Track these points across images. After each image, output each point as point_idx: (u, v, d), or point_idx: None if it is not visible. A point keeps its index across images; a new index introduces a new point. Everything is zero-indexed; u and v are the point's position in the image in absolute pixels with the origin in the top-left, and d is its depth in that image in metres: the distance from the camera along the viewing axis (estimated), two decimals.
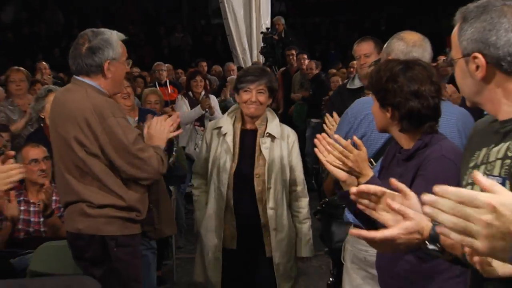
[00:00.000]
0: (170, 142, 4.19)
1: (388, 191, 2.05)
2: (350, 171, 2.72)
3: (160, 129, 3.88)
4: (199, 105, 8.33)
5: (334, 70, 11.45)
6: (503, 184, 1.90)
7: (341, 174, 2.74)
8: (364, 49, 5.24)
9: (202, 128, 8.08)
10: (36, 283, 3.74)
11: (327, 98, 7.84)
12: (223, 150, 4.27)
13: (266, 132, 4.28)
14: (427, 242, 2.01)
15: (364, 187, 2.08)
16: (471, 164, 2.08)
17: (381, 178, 2.83)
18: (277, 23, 13.73)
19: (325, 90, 9.76)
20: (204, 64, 12.82)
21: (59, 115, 3.82)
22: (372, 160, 3.37)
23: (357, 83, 5.52)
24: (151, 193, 3.96)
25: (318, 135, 2.79)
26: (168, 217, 4.20)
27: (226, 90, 10.98)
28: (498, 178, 1.94)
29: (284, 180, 4.30)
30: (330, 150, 2.73)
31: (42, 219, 4.78)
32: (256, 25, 13.58)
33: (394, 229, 1.98)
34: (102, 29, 3.85)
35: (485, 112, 2.31)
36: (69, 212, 3.86)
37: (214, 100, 8.71)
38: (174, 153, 4.81)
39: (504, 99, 2.00)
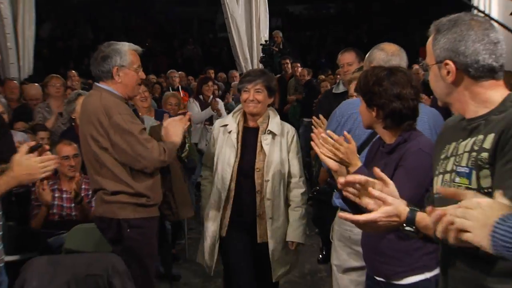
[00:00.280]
0: (183, 140, 4.13)
1: (370, 179, 2.06)
2: (341, 162, 2.75)
3: (176, 127, 3.88)
4: (210, 107, 8.36)
5: (323, 76, 11.47)
6: (470, 173, 1.91)
7: (332, 164, 2.78)
8: (347, 58, 5.24)
9: (211, 127, 8.07)
10: (69, 259, 3.74)
11: (317, 100, 7.83)
12: (228, 146, 4.09)
13: (267, 130, 4.10)
14: (404, 224, 2.02)
15: (350, 177, 2.08)
16: (442, 156, 2.09)
17: (367, 168, 2.83)
18: (275, 36, 13.85)
19: (316, 93, 9.76)
20: (212, 71, 12.92)
21: (82, 116, 3.88)
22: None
23: (341, 88, 5.53)
24: (167, 182, 3.96)
25: (315, 130, 2.84)
26: (185, 203, 4.19)
27: (229, 95, 10.99)
28: (465, 168, 1.95)
29: (282, 173, 4.10)
30: (324, 144, 2.75)
31: (73, 205, 4.80)
32: (256, 38, 13.60)
33: (376, 213, 2.01)
34: (116, 42, 3.88)
35: (453, 112, 2.31)
36: (95, 199, 3.96)
37: (220, 103, 8.71)
38: (186, 148, 4.79)
39: (471, 100, 2.01)
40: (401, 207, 2.01)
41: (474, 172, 1.89)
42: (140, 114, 5.90)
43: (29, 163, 2.72)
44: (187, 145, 4.88)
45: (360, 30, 21.77)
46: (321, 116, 4.17)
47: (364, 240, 2.96)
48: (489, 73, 1.97)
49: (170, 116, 4.10)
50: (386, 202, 2.00)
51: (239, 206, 4.09)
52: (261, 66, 13.31)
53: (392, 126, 2.78)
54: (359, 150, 3.44)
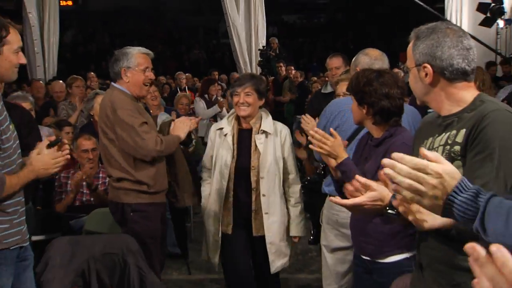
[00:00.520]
0: (189, 135, 4.10)
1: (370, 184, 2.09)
2: (329, 154, 2.76)
3: (183, 124, 3.89)
4: (216, 104, 8.39)
5: (315, 78, 11.48)
6: None
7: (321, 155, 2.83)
8: (335, 62, 5.22)
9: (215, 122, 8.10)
10: (88, 239, 3.74)
11: (308, 100, 7.82)
12: (224, 148, 3.86)
13: (260, 130, 3.85)
14: (387, 208, 2.04)
15: (362, 180, 2.10)
16: None
17: (355, 159, 2.87)
18: (272, 42, 13.87)
19: (308, 93, 9.77)
20: (216, 73, 12.99)
21: (99, 112, 3.91)
22: None
23: (329, 89, 5.52)
24: (173, 172, 3.95)
25: (311, 132, 2.85)
26: (188, 191, 4.13)
27: (227, 96, 11.02)
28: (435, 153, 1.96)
29: (277, 170, 3.85)
30: (312, 139, 2.79)
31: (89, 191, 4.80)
32: (254, 44, 13.61)
33: (362, 197, 2.06)
34: (129, 46, 3.89)
35: (429, 110, 2.32)
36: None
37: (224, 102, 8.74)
38: (193, 144, 4.75)
39: (446, 99, 2.01)
40: (385, 193, 2.04)
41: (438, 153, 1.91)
42: (151, 111, 5.92)
43: (44, 159, 2.73)
44: (194, 141, 4.86)
45: (347, 38, 21.75)
46: (308, 115, 4.17)
47: (352, 223, 2.96)
48: (462, 75, 1.98)
49: (178, 114, 4.11)
50: (371, 188, 2.04)
51: (237, 203, 3.88)
52: (259, 69, 13.36)
53: (381, 122, 2.79)
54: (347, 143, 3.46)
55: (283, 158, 3.88)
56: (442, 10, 12.00)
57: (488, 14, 11.12)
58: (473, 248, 1.09)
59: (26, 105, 4.68)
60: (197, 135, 6.25)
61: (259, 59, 13.28)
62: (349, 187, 2.15)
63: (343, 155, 2.74)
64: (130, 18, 22.50)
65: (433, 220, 1.81)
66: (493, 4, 11.18)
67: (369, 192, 2.02)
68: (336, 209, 3.51)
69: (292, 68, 11.73)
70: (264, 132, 3.84)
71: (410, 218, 1.82)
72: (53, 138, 2.87)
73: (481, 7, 11.12)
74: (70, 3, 21.56)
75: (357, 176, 2.03)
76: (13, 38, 2.68)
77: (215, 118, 8.35)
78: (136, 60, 3.75)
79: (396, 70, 8.75)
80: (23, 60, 2.76)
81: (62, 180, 4.83)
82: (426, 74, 1.99)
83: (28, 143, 3.04)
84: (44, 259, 3.36)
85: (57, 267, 3.35)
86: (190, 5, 23.29)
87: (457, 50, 1.96)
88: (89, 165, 4.84)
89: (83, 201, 4.80)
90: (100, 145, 3.92)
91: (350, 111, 3.44)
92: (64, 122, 6.11)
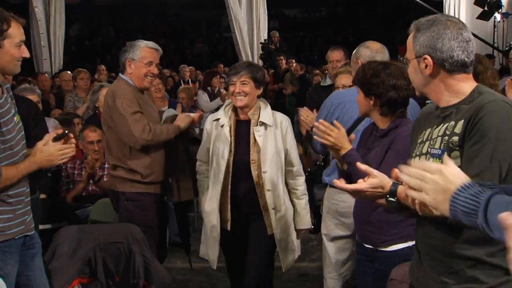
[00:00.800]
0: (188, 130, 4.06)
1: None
2: (333, 145, 2.76)
3: (187, 118, 3.91)
4: (219, 97, 8.37)
5: (318, 71, 11.43)
6: (441, 154, 1.93)
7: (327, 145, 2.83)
8: (336, 55, 5.20)
9: None
10: (95, 228, 3.75)
11: (308, 92, 7.82)
12: (221, 140, 3.58)
13: (259, 121, 3.56)
14: (387, 195, 2.04)
15: (363, 168, 2.11)
16: (419, 141, 2.10)
17: (359, 149, 2.87)
18: (273, 36, 13.84)
19: (308, 86, 9.73)
20: (221, 65, 13.07)
21: None
22: None
23: (328, 81, 5.52)
24: (170, 167, 3.92)
25: (315, 124, 2.85)
26: (186, 187, 4.07)
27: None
28: (438, 150, 1.96)
29: (279, 163, 3.58)
30: (317, 131, 2.79)
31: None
32: (256, 38, 13.59)
33: (363, 184, 2.06)
34: (141, 40, 3.91)
35: (427, 101, 2.32)
36: None
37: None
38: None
39: (445, 91, 2.00)
40: (386, 180, 2.04)
41: (445, 154, 1.90)
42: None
43: (49, 150, 2.72)
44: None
45: (347, 31, 21.69)
46: (305, 108, 4.15)
47: (356, 212, 2.97)
48: (461, 67, 1.97)
49: (183, 107, 4.11)
50: (372, 175, 2.04)
51: (236, 199, 3.59)
52: (261, 62, 13.35)
53: (388, 113, 2.78)
54: (347, 134, 3.45)
55: (285, 150, 3.63)
56: (440, 3, 11.96)
57: (486, 8, 11.08)
58: (506, 217, 1.15)
59: (34, 98, 4.68)
60: (201, 127, 6.24)
61: (261, 52, 13.28)
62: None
63: (348, 146, 2.73)
64: (135, 13, 22.46)
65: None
66: None
67: (370, 179, 2.03)
68: (336, 199, 3.51)
69: (293, 61, 11.72)
70: (263, 124, 3.57)
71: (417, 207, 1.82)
72: (60, 131, 2.87)
73: (479, 1, 11.08)
74: None
75: (358, 163, 2.03)
76: (15, 31, 2.65)
77: (218, 110, 8.34)
78: (141, 53, 3.77)
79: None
80: (26, 54, 2.73)
81: (69, 171, 4.85)
82: (426, 66, 1.98)
83: (35, 135, 3.05)
84: (52, 248, 3.38)
85: (64, 255, 3.37)
86: (193, 0, 23.24)
87: (457, 42, 1.94)
88: (94, 156, 4.85)
89: (89, 191, 4.82)
90: (104, 134, 3.97)
91: (350, 102, 3.44)
92: (72, 114, 6.14)
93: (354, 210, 2.99)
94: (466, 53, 1.96)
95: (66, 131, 2.82)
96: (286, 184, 3.68)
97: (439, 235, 1.95)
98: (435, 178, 1.49)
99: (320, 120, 2.88)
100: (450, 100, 2.00)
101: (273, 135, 3.58)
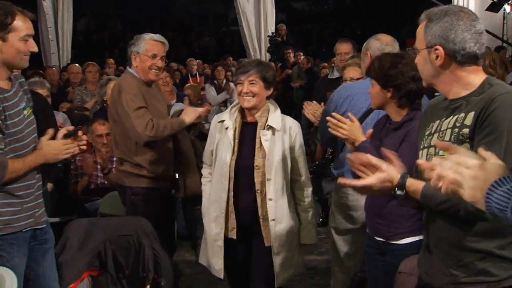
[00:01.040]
0: (195, 124, 4.04)
1: (374, 160, 2.05)
2: (347, 138, 2.77)
3: (193, 111, 3.88)
4: (225, 91, 8.37)
5: (325, 64, 11.41)
6: None
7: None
8: (344, 48, 5.17)
9: (225, 108, 8.08)
10: (104, 221, 3.76)
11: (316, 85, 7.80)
12: (224, 143, 3.34)
13: (266, 125, 3.30)
14: (396, 188, 2.01)
15: (365, 158, 2.07)
16: (427, 133, 2.09)
17: (371, 141, 2.84)
18: (280, 29, 13.80)
19: (316, 79, 9.72)
20: (231, 58, 13.06)
21: None
22: None
23: (336, 74, 5.53)
24: (177, 162, 3.92)
25: (328, 118, 2.87)
26: (192, 183, 4.05)
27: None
28: (448, 142, 1.93)
29: (285, 171, 3.32)
30: (330, 125, 2.82)
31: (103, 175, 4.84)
32: (263, 31, 13.58)
33: (371, 179, 2.01)
34: (145, 33, 3.90)
35: (437, 94, 2.30)
36: None
37: (233, 87, 8.70)
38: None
39: (455, 82, 1.99)
40: (394, 174, 2.00)
41: (478, 148, 1.87)
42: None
43: (55, 145, 2.76)
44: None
45: (354, 24, 21.58)
46: (314, 102, 4.13)
47: (367, 205, 2.95)
48: (472, 59, 1.95)
49: (191, 100, 4.09)
50: (381, 169, 2.00)
51: (239, 207, 3.35)
52: (268, 55, 13.32)
53: (406, 104, 2.77)
54: None
55: (292, 158, 3.36)
56: None
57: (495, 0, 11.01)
58: None
59: (43, 92, 4.70)
60: (209, 122, 6.24)
61: (268, 45, 13.26)
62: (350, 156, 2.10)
63: (361, 138, 2.73)
64: (142, 6, 22.44)
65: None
66: None
67: (379, 173, 2.00)
68: (344, 192, 3.51)
69: (301, 54, 11.69)
70: (270, 127, 3.31)
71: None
72: (71, 128, 2.89)
73: None
74: None
75: (369, 157, 2.01)
76: (20, 25, 2.64)
77: (225, 104, 8.34)
78: (145, 46, 3.77)
79: None
80: (34, 48, 2.71)
81: (78, 164, 4.87)
82: (437, 57, 1.96)
83: (43, 129, 3.06)
84: (62, 241, 3.40)
85: (75, 248, 3.38)
86: None
87: (470, 34, 1.93)
88: (103, 150, 4.88)
89: (98, 184, 4.84)
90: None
91: (358, 95, 3.42)
92: (81, 108, 6.16)
93: (365, 203, 2.99)
94: (478, 45, 1.94)
95: (77, 128, 2.86)
96: (293, 195, 3.42)
97: (448, 228, 1.94)
98: (475, 175, 1.42)
99: (333, 113, 2.89)
100: (460, 92, 1.98)
101: (281, 140, 3.32)
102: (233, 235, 3.36)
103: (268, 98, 3.38)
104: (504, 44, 10.96)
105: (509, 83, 3.66)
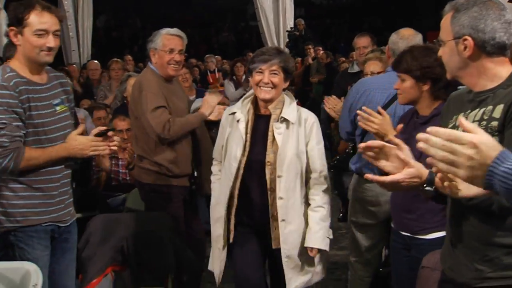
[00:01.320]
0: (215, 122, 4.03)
1: (387, 144, 2.02)
2: (377, 132, 2.76)
3: (212, 99, 3.87)
4: (242, 87, 8.38)
5: (343, 58, 11.34)
6: None
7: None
8: (362, 42, 5.17)
9: None
10: (127, 216, 3.79)
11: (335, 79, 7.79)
12: (235, 137, 3.09)
13: (280, 117, 3.05)
14: (424, 184, 1.99)
15: (369, 142, 2.04)
16: (450, 125, 2.05)
17: (401, 137, 2.81)
18: (298, 24, 13.76)
19: (335, 73, 9.68)
20: (251, 54, 12.99)
21: None
22: None
23: (356, 68, 5.54)
24: (197, 160, 3.93)
25: (358, 112, 2.87)
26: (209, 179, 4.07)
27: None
28: (473, 124, 1.89)
29: (298, 167, 3.05)
30: (360, 119, 2.83)
31: (127, 171, 4.86)
32: (282, 26, 13.54)
33: (400, 174, 1.97)
34: (163, 28, 3.90)
35: (459, 87, 2.27)
36: None
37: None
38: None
39: (483, 74, 1.95)
40: (422, 169, 1.97)
41: (464, 118, 1.84)
42: None
43: (83, 140, 2.78)
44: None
45: (374, 18, 21.42)
46: (333, 97, 4.09)
47: (394, 200, 2.92)
48: (501, 50, 1.92)
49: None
50: (410, 164, 1.96)
51: (248, 206, 3.10)
52: (287, 50, 13.30)
53: (443, 96, 2.69)
54: None
55: (307, 152, 3.09)
56: None
57: None
58: None
59: None
60: None
61: (287, 40, 13.23)
62: (362, 144, 2.05)
63: (392, 132, 2.70)
64: (161, 3, 22.52)
65: (467, 189, 1.75)
66: None
67: (407, 168, 1.96)
68: (363, 187, 3.50)
69: (320, 49, 11.67)
70: (284, 120, 3.06)
71: (446, 185, 1.77)
72: (103, 128, 2.92)
73: None
74: None
75: (398, 152, 1.97)
76: (34, 20, 2.66)
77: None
78: (161, 42, 3.77)
79: None
80: (50, 43, 2.71)
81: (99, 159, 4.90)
82: (465, 47, 1.92)
83: None
84: (85, 236, 3.44)
85: (98, 244, 3.42)
86: None
87: (499, 23, 1.89)
88: (124, 145, 4.89)
89: (119, 180, 4.87)
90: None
91: (375, 90, 3.41)
92: (101, 104, 6.21)
93: (391, 198, 2.96)
94: (507, 35, 1.90)
95: (108, 129, 2.89)
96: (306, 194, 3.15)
97: (477, 222, 1.91)
98: (470, 153, 1.39)
99: (363, 108, 2.87)
100: (486, 84, 1.94)
101: (296, 134, 3.06)
102: (230, 238, 3.12)
103: (283, 90, 3.14)
104: None
105: None
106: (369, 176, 1.99)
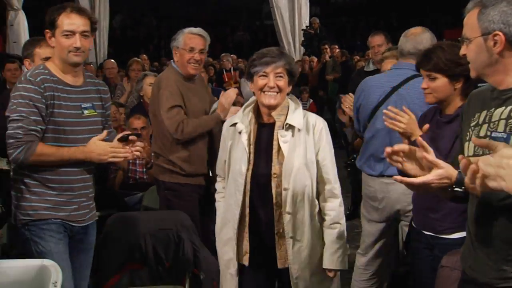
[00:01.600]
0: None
1: (412, 147, 2.01)
2: (404, 132, 2.74)
3: (228, 96, 3.86)
4: None
5: (358, 57, 11.30)
6: (507, 138, 1.85)
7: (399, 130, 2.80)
8: (377, 40, 5.18)
9: None
10: (145, 215, 3.81)
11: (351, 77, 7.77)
12: (238, 151, 2.81)
13: (285, 124, 2.77)
14: (454, 185, 1.95)
15: (396, 147, 2.02)
16: (473, 123, 2.02)
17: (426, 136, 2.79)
18: (313, 22, 13.73)
19: (351, 72, 9.66)
20: None
21: None
22: None
23: (371, 67, 5.56)
24: (211, 159, 3.93)
25: (385, 111, 2.85)
26: None
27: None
28: (503, 134, 1.87)
29: (308, 178, 2.76)
30: (386, 119, 2.81)
31: (144, 170, 4.88)
32: (298, 24, 13.52)
33: (429, 176, 1.94)
34: (187, 27, 3.92)
35: (480, 84, 2.24)
36: None
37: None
38: None
39: (510, 71, 1.91)
40: (451, 170, 1.94)
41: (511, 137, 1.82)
42: None
43: (102, 146, 2.80)
44: None
45: (390, 16, 21.29)
46: (350, 94, 4.10)
47: (418, 199, 2.88)
48: None
49: None
50: (439, 165, 1.93)
51: (256, 224, 2.80)
52: (303, 49, 13.28)
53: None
54: (369, 117, 3.50)
55: (318, 162, 2.81)
56: None
57: None
58: None
59: None
60: None
61: (302, 39, 13.20)
62: (388, 149, 2.04)
63: (418, 132, 2.67)
64: (176, 2, 22.59)
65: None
66: None
67: (436, 169, 1.93)
68: (370, 185, 3.53)
69: (336, 47, 11.65)
70: (290, 126, 2.77)
71: (478, 182, 1.75)
72: (127, 133, 2.95)
73: None
74: None
75: (425, 155, 1.94)
76: (63, 21, 2.76)
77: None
78: (183, 40, 3.80)
79: None
80: (76, 44, 2.80)
81: None
82: (495, 43, 1.88)
83: None
84: (103, 235, 3.45)
85: (115, 242, 3.44)
86: None
87: None
88: (140, 143, 4.91)
89: (137, 178, 4.90)
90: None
91: (372, 88, 3.44)
92: (118, 104, 6.24)
93: (413, 197, 2.94)
94: None
95: (130, 133, 2.90)
96: (317, 208, 2.85)
97: (498, 222, 1.88)
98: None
99: (389, 107, 2.86)
100: None
101: (303, 142, 2.78)
102: (245, 261, 2.83)
103: (287, 94, 2.86)
104: None
105: None
106: (397, 178, 1.96)
